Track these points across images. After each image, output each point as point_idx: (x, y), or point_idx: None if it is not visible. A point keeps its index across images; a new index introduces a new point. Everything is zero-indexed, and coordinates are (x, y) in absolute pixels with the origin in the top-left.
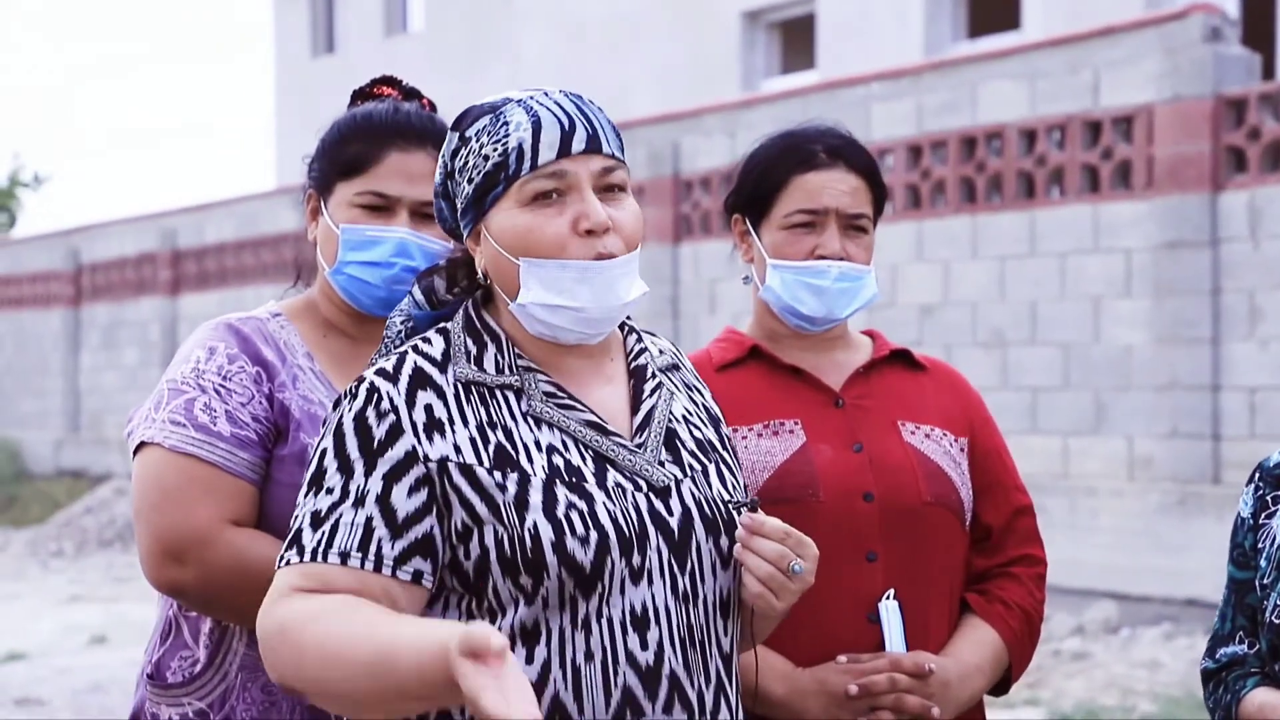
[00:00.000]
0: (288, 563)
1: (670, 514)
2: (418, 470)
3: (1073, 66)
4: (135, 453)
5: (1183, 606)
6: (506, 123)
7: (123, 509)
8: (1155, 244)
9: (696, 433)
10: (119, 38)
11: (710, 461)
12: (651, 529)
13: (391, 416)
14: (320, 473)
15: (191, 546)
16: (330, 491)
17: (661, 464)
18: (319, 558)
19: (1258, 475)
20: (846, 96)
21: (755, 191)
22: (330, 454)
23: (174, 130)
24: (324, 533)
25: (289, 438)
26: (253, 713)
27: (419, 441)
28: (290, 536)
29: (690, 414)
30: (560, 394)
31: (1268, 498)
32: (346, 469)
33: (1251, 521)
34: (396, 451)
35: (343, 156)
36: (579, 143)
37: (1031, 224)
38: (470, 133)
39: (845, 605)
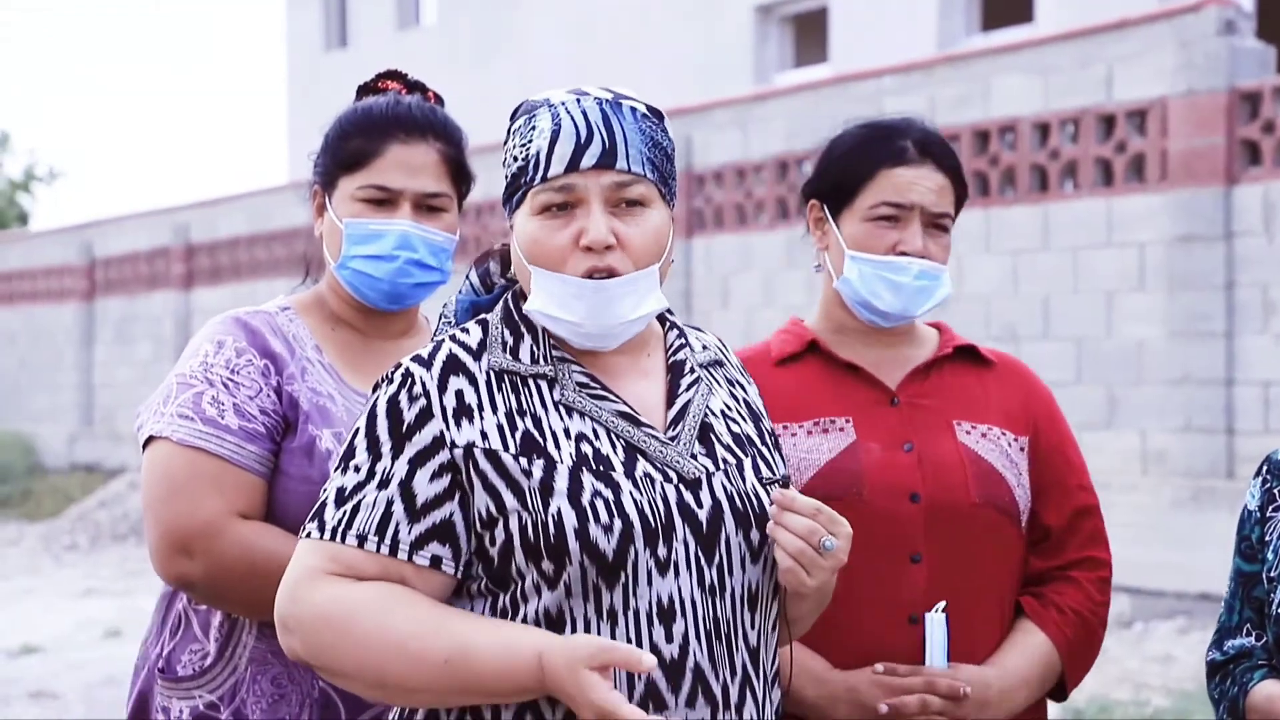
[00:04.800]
0: (309, 534)
1: (699, 506)
2: (443, 456)
3: (1086, 60)
4: (144, 446)
5: (1196, 601)
6: (534, 127)
7: (136, 503)
8: (1169, 238)
9: (734, 427)
10: (132, 33)
11: (746, 455)
12: (679, 520)
13: (422, 400)
14: (350, 451)
15: (199, 539)
16: (357, 470)
17: (694, 457)
18: (338, 537)
19: (1265, 468)
20: (859, 90)
21: (840, 180)
22: (361, 434)
23: (186, 124)
24: (345, 512)
25: (297, 430)
26: (262, 705)
27: (447, 427)
28: (315, 508)
29: (729, 409)
30: (594, 385)
31: (1275, 491)
32: (374, 450)
33: (1259, 514)
34: (424, 436)
35: (344, 151)
36: (590, 158)
37: (1044, 218)
38: (512, 128)
39: (886, 606)
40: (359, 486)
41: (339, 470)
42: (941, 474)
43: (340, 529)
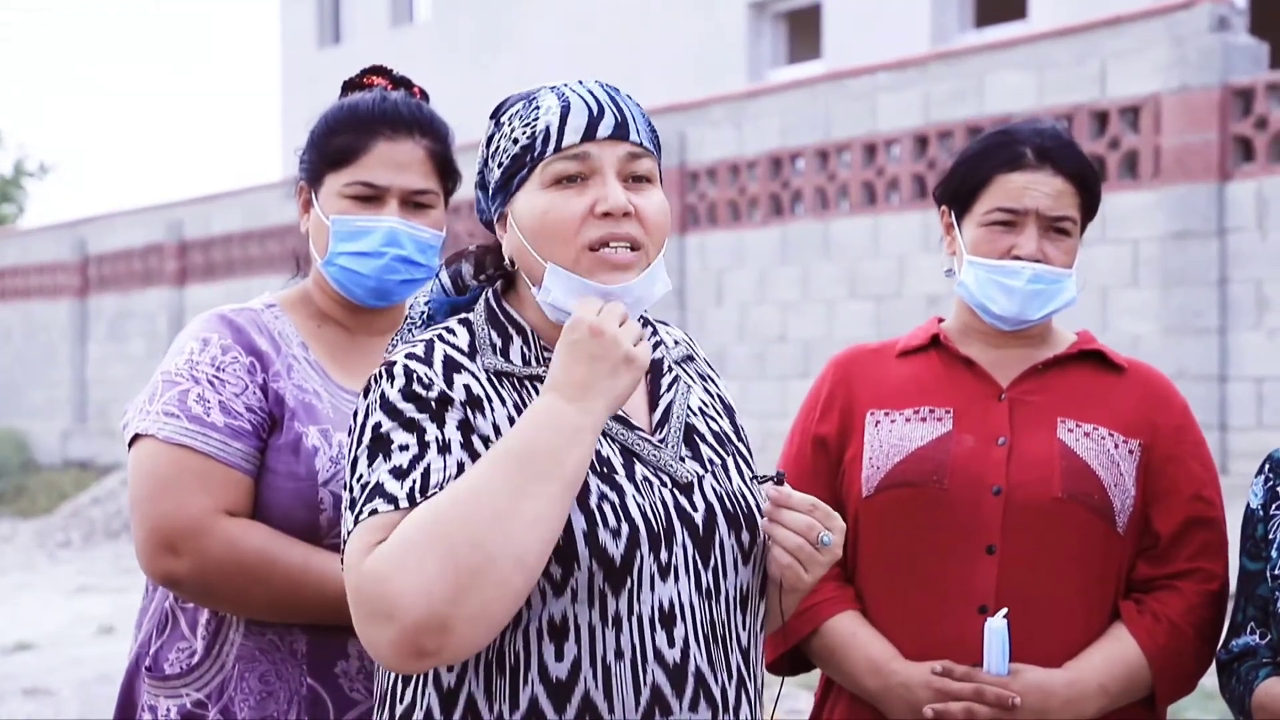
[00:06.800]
0: (374, 512)
1: (695, 510)
2: (478, 439)
3: (1080, 56)
4: (130, 445)
5: None
6: (538, 107)
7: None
8: (1162, 234)
9: (713, 425)
10: (125, 28)
11: (728, 454)
12: (678, 524)
13: (437, 388)
14: (383, 439)
15: (185, 537)
16: (405, 449)
17: (683, 460)
18: (415, 501)
19: (1268, 467)
20: (853, 86)
21: (961, 186)
22: (387, 423)
23: (180, 121)
24: (415, 479)
25: (283, 427)
26: (250, 703)
27: (466, 414)
28: (364, 496)
29: (706, 405)
30: None
31: (1278, 489)
32: (415, 427)
33: (1261, 513)
34: (454, 415)
35: (330, 148)
36: (605, 128)
37: None
38: (504, 118)
39: (957, 595)
40: (417, 459)
41: (377, 460)
42: (1029, 468)
43: (414, 494)
